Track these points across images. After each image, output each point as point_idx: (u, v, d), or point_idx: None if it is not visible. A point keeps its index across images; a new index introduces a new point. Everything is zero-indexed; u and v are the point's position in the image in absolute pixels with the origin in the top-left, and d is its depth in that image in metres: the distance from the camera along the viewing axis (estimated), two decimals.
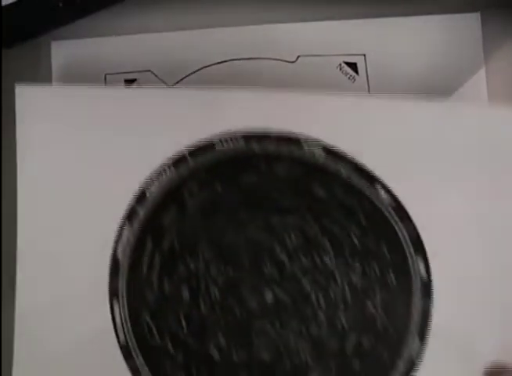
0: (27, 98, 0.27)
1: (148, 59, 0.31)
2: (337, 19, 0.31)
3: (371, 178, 0.25)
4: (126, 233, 0.26)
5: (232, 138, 0.26)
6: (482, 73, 0.30)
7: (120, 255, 0.26)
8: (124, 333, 0.26)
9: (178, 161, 0.26)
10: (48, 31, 0.31)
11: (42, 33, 0.31)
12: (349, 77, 0.30)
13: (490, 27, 0.30)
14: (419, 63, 0.30)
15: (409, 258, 0.25)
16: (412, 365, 0.25)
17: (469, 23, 0.30)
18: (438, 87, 0.29)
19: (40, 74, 0.32)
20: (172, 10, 0.31)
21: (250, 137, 0.26)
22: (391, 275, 0.25)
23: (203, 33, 0.31)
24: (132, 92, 0.28)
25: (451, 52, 0.30)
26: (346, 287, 0.25)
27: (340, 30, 0.30)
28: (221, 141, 0.26)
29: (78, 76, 0.31)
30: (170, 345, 0.26)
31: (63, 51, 0.31)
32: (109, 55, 0.31)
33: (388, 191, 0.25)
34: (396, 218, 0.25)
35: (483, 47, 0.30)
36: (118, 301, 0.26)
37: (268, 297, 0.25)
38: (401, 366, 0.25)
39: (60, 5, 0.30)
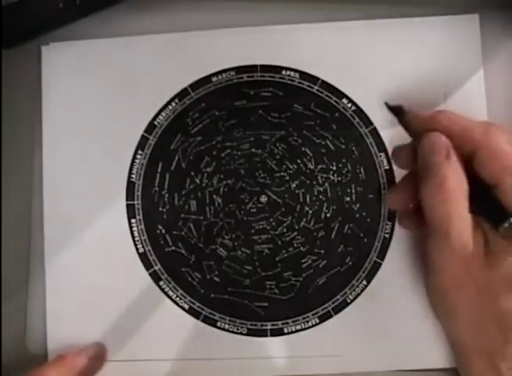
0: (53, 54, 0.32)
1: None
2: (336, 20, 0.31)
3: (338, 93, 0.31)
4: (139, 159, 0.31)
5: (226, 71, 0.31)
6: (481, 73, 0.30)
7: (134, 178, 0.31)
8: (142, 244, 0.31)
9: (182, 94, 0.31)
10: (49, 31, 0.32)
11: (42, 33, 0.32)
12: None
13: (489, 28, 0.30)
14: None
15: (374, 154, 0.30)
16: (386, 244, 0.30)
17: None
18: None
19: (40, 74, 0.32)
20: (171, 11, 0.32)
21: (239, 69, 0.31)
22: (361, 170, 0.30)
23: (203, 34, 0.32)
24: (140, 39, 0.31)
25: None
26: (327, 185, 0.30)
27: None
28: (216, 74, 0.31)
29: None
30: (183, 250, 0.30)
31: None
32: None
33: (352, 102, 0.30)
34: (361, 123, 0.30)
35: (482, 48, 0.30)
36: (135, 216, 0.31)
37: (263, 199, 0.30)
38: (377, 246, 0.30)
39: (60, 5, 0.30)
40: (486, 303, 0.25)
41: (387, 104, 0.28)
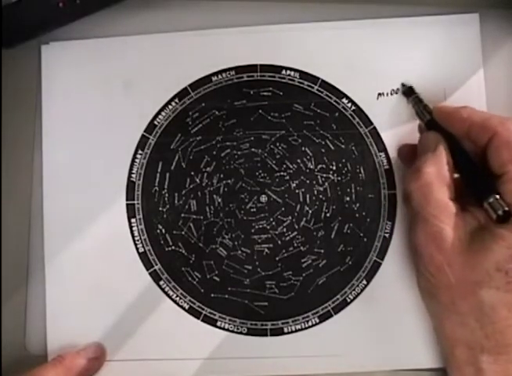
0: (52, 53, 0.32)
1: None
2: (336, 19, 0.31)
3: (338, 93, 0.31)
4: (139, 158, 0.31)
5: (226, 70, 0.31)
6: (481, 73, 0.30)
7: (134, 178, 0.31)
8: (142, 243, 0.31)
9: (181, 94, 0.31)
10: (49, 31, 0.32)
11: (42, 33, 0.32)
12: None
13: (489, 27, 0.31)
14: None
15: (374, 154, 0.30)
16: (386, 244, 0.30)
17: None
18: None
19: (40, 73, 0.32)
20: (171, 11, 0.32)
21: (239, 68, 0.31)
22: (361, 170, 0.30)
23: (203, 34, 0.32)
24: (140, 39, 0.32)
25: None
26: (327, 185, 0.30)
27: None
28: (216, 74, 0.31)
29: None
30: (183, 250, 0.30)
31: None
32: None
33: (352, 102, 0.30)
34: (361, 123, 0.30)
35: (482, 47, 0.31)
36: (135, 216, 0.31)
37: (263, 199, 0.30)
38: (377, 245, 0.30)
39: (60, 5, 0.30)
40: (466, 293, 0.25)
41: (402, 84, 0.30)
